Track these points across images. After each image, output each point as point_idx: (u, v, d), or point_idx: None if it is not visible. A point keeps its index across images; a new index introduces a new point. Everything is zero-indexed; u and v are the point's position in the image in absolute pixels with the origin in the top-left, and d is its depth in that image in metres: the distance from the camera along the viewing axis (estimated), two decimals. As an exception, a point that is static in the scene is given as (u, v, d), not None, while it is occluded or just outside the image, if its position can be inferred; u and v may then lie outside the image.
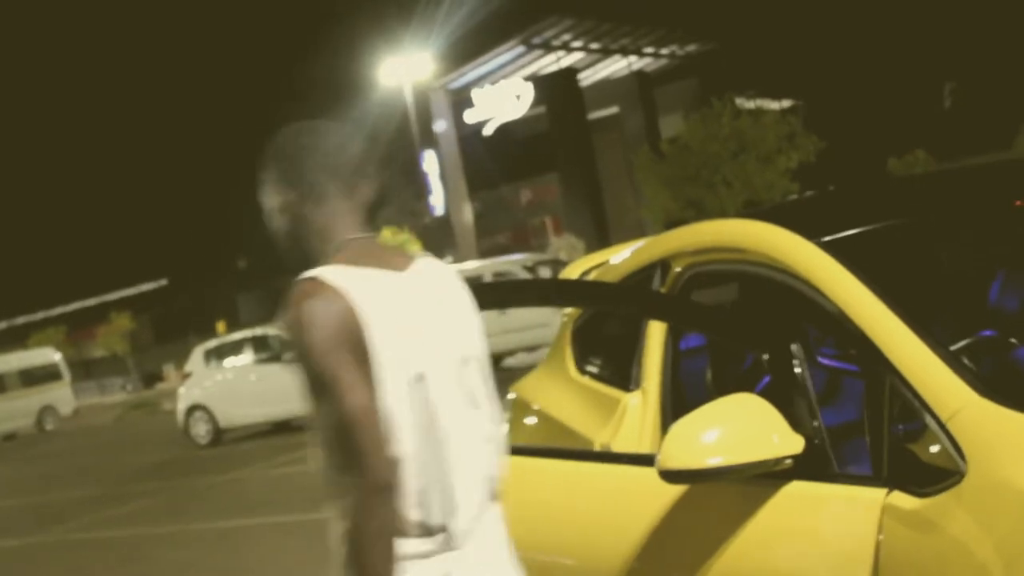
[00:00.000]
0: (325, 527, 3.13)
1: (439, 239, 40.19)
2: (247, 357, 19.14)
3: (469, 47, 39.71)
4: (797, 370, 2.47)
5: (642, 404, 3.38)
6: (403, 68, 35.75)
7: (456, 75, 41.08)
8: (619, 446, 3.36)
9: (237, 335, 20.75)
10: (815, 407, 2.43)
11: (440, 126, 41.87)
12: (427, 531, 2.17)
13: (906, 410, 2.40)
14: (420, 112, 38.20)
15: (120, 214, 64.20)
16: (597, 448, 3.43)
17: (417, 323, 2.21)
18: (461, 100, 41.80)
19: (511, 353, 22.28)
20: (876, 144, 34.79)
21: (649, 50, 43.65)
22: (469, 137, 42.13)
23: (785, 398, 2.44)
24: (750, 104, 28.22)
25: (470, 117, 41.79)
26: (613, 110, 42.49)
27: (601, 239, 34.31)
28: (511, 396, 4.36)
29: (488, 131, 41.89)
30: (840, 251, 2.66)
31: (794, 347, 2.47)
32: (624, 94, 42.39)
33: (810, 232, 2.80)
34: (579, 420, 3.68)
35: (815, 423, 2.42)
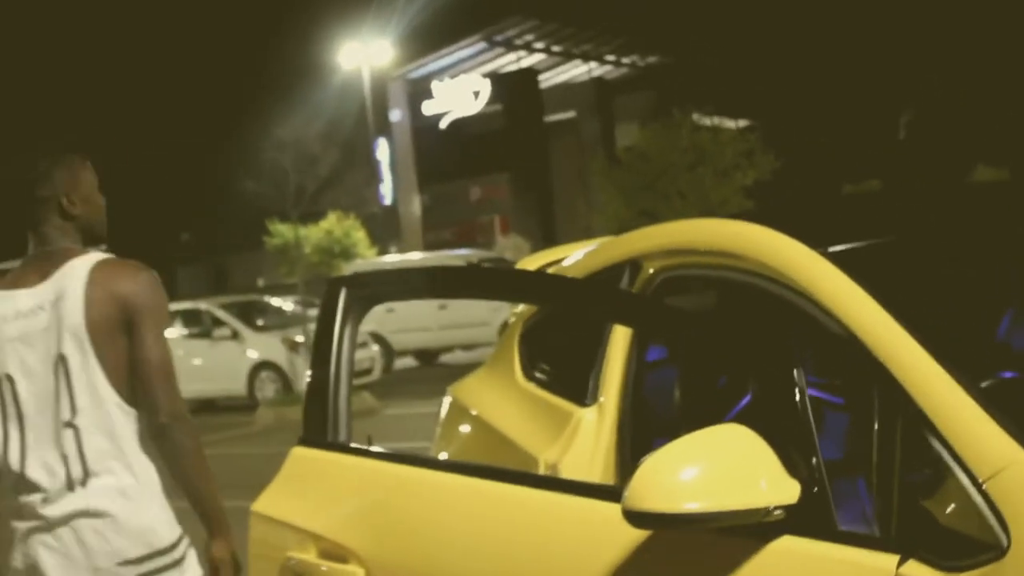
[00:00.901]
0: (242, 517, 2.68)
1: (385, 228, 39.63)
2: (176, 330, 18.50)
3: (430, 39, 39.25)
4: (797, 401, 2.05)
5: (598, 421, 2.96)
6: (362, 53, 35.16)
7: (415, 65, 40.61)
8: (568, 467, 2.93)
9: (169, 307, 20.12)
10: (817, 448, 2.01)
11: (396, 115, 41.36)
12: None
13: (919, 453, 2.01)
14: (377, 100, 37.66)
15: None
16: (542, 467, 3.01)
17: (17, 333, 2.84)
18: (419, 91, 41.34)
19: (448, 349, 21.86)
20: (831, 170, 34.76)
21: (610, 58, 43.48)
22: (424, 129, 41.67)
23: (781, 434, 2.02)
24: (708, 120, 27.97)
25: (427, 109, 41.35)
26: (570, 115, 42.25)
27: (548, 242, 33.93)
28: (447, 399, 3.94)
29: (444, 124, 41.45)
30: (850, 265, 2.26)
31: (796, 373, 2.05)
32: (582, 100, 42.17)
33: (811, 240, 2.40)
34: (523, 433, 3.25)
35: (815, 468, 2.00)
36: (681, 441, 1.96)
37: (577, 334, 3.25)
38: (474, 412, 3.66)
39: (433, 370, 21.11)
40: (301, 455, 2.63)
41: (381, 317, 19.64)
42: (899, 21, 37.87)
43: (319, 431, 2.60)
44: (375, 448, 2.56)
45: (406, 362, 22.16)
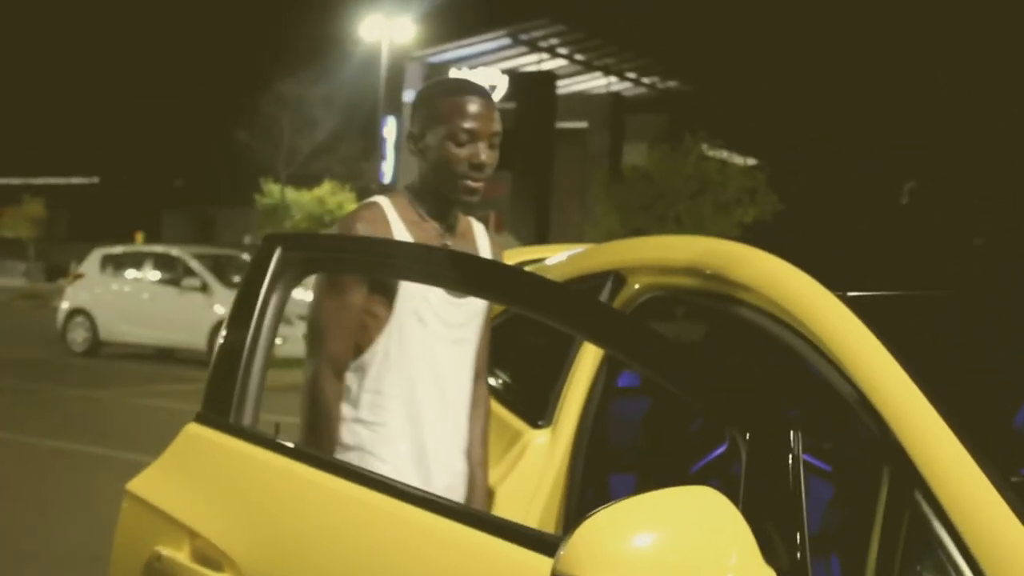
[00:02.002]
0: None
1: (379, 207, 39.07)
2: (147, 273, 18.03)
3: (455, 26, 38.94)
4: (790, 469, 1.66)
5: (549, 447, 2.58)
6: (384, 28, 34.74)
7: (436, 50, 40.26)
8: (506, 494, 2.56)
9: (143, 247, 19.65)
10: (805, 532, 1.63)
11: (409, 96, 40.94)
12: None
13: (926, 550, 1.65)
14: (392, 77, 37.31)
15: (68, 101, 61.99)
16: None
17: None
18: (436, 76, 40.89)
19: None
20: (830, 223, 34.55)
21: (631, 75, 43.20)
22: (434, 114, 41.17)
23: (763, 507, 1.64)
24: (716, 153, 27.68)
25: (440, 95, 40.86)
26: (582, 124, 41.92)
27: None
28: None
29: (454, 113, 41.00)
30: (873, 318, 1.88)
31: (793, 436, 1.66)
32: (596, 112, 41.88)
33: (830, 283, 2.02)
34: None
35: (799, 553, 1.62)
36: (638, 500, 1.58)
37: (543, 344, 2.88)
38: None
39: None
40: (194, 433, 2.23)
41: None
42: (920, 98, 37.94)
43: (220, 408, 2.20)
44: (281, 439, 2.16)
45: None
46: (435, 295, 2.52)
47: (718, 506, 1.58)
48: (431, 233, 2.58)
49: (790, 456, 1.65)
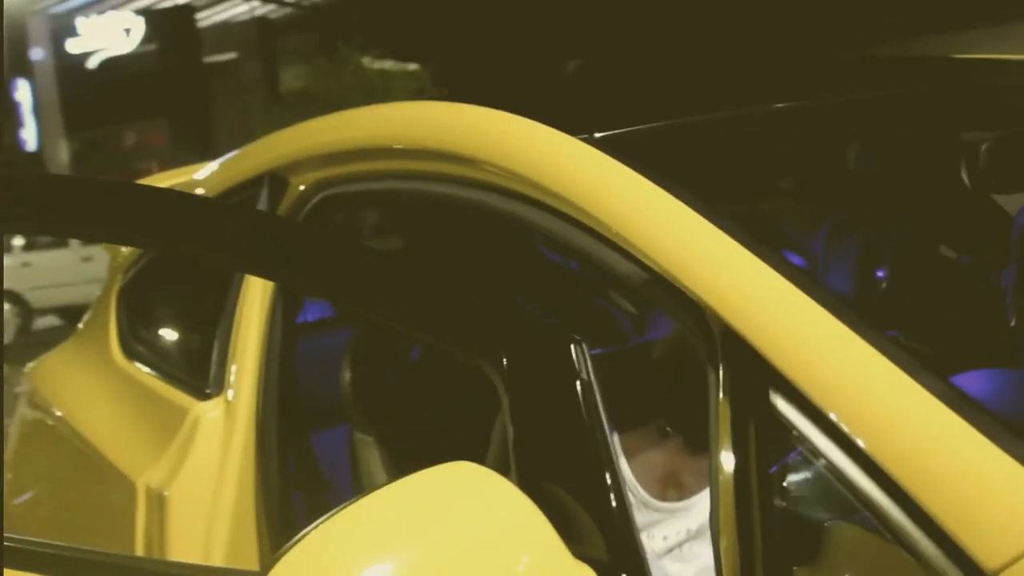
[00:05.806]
0: None
1: (28, 177, 36.43)
2: None
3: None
4: (580, 397, 1.07)
5: (225, 421, 1.91)
6: (-6, -18, 31.90)
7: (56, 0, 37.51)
8: (180, 497, 1.88)
9: None
10: (625, 498, 1.05)
11: (37, 54, 38.07)
12: None
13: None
14: (15, 37, 34.53)
15: None
16: (142, 496, 1.93)
17: None
18: (63, 28, 38.16)
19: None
20: (502, 104, 34.79)
21: (273, -3, 41.86)
22: (70, 69, 38.52)
23: (549, 469, 1.04)
24: (377, 64, 27.10)
25: (72, 48, 38.25)
26: (231, 56, 40.31)
27: (210, 190, 32.14)
28: (20, 389, 2.77)
29: (92, 64, 38.58)
30: (642, 160, 1.31)
31: (575, 352, 1.07)
32: (243, 40, 40.34)
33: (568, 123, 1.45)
34: (117, 441, 2.15)
35: (621, 536, 1.03)
36: (363, 503, 0.95)
37: (195, 286, 2.19)
38: (55, 410, 2.51)
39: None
40: None
41: (16, 273, 17.93)
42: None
43: None
44: None
45: (49, 320, 20.09)
46: None
47: (488, 487, 0.97)
48: None
49: (577, 383, 1.05)
